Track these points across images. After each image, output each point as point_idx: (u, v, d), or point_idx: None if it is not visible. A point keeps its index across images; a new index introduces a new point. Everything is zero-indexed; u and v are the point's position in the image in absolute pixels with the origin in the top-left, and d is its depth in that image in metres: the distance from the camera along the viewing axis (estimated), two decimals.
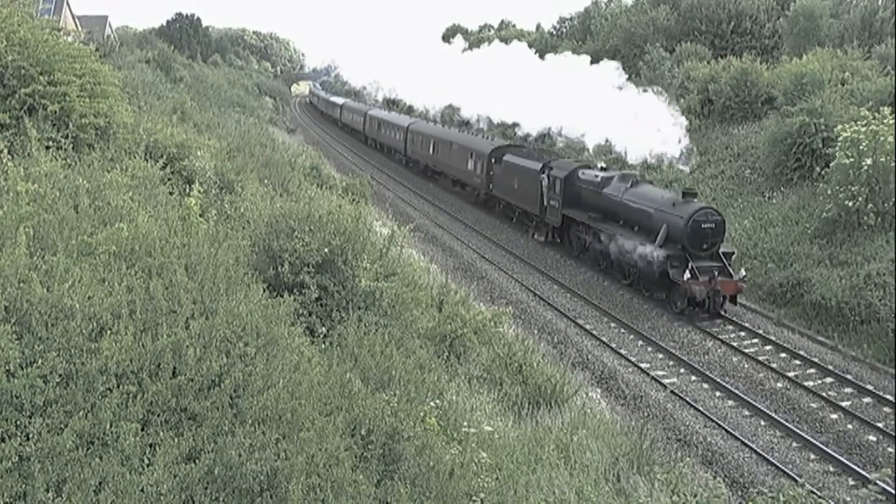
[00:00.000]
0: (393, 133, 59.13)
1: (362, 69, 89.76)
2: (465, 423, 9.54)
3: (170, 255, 8.05)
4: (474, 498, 7.71)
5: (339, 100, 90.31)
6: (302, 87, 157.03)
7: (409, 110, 67.05)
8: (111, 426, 6.06)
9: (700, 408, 17.91)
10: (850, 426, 17.16)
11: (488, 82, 36.44)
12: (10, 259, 6.81)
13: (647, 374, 19.57)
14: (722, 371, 20.05)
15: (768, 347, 21.20)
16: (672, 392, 17.62)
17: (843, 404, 18.02)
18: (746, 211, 31.05)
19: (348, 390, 8.16)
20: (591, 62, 33.59)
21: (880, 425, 16.95)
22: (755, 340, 21.86)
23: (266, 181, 20.33)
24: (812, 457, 15.74)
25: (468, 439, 9.18)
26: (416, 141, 52.29)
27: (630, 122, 27.56)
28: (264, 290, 9.09)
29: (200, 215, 10.89)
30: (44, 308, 6.52)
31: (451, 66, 42.84)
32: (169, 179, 12.59)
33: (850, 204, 25.52)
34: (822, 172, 28.92)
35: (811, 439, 16.41)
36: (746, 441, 16.43)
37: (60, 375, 6.15)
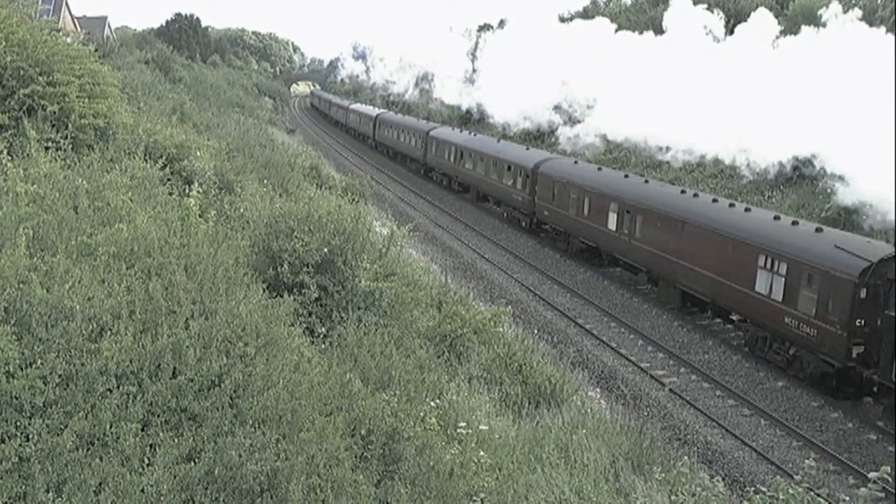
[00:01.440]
0: (498, 173, 38.22)
1: (381, 67, 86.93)
2: (464, 424, 9.53)
3: (169, 256, 8.04)
4: (474, 498, 7.71)
5: (372, 109, 73.58)
6: (301, 87, 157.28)
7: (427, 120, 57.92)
8: (111, 427, 6.06)
9: (700, 407, 17.92)
10: (850, 425, 17.16)
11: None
12: (10, 260, 6.81)
13: (647, 374, 19.57)
14: (722, 370, 20.05)
15: None
16: (671, 390, 17.62)
17: (844, 403, 18.03)
18: None
19: (348, 390, 8.16)
20: None
21: (880, 424, 16.96)
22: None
23: (265, 181, 20.32)
24: (812, 456, 15.75)
25: (468, 439, 9.18)
26: (568, 196, 30.46)
27: None
28: (264, 291, 9.09)
29: (200, 216, 10.89)
30: (43, 309, 6.53)
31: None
32: (168, 180, 12.58)
33: (850, 203, 25.51)
34: (822, 171, 28.92)
35: (811, 438, 16.42)
36: (746, 440, 16.44)
37: (60, 376, 6.15)
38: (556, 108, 43.46)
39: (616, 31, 36.78)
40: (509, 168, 36.72)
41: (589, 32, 36.67)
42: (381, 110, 70.90)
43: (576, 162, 33.83)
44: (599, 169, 31.58)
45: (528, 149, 39.13)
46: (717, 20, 29.16)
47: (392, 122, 62.80)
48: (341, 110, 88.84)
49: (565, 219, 30.89)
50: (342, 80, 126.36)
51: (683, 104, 24.88)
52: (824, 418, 17.47)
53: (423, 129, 53.17)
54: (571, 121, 40.63)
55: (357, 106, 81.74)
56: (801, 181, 30.69)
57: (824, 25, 23.54)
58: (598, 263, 29.28)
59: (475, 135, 46.91)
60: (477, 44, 60.16)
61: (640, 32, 34.98)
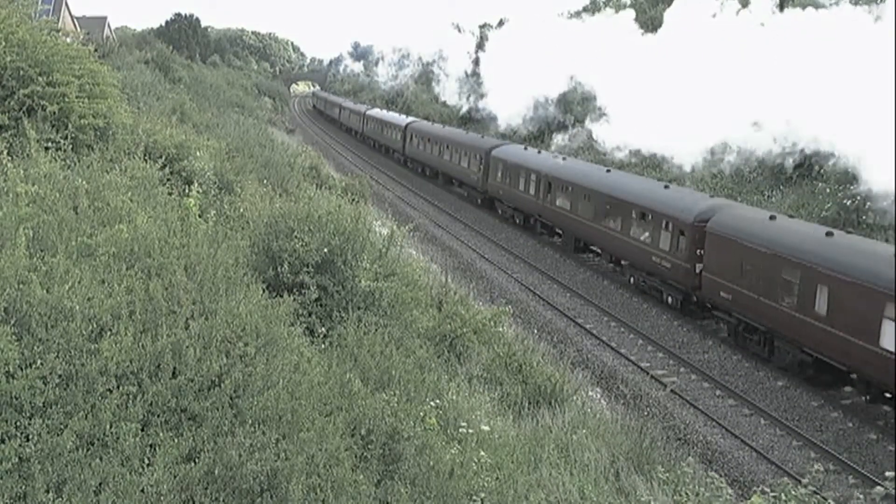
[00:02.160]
0: (621, 221, 26.08)
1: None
2: (465, 424, 9.54)
3: (169, 256, 8.05)
4: (474, 498, 7.71)
5: (398, 117, 60.69)
6: (301, 87, 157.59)
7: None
8: (111, 427, 6.06)
9: (700, 407, 17.92)
10: (850, 424, 17.16)
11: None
12: (10, 260, 6.81)
13: (647, 374, 19.58)
14: (722, 370, 20.05)
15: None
16: (672, 391, 17.63)
17: (844, 402, 18.04)
18: None
19: (348, 390, 8.16)
20: None
21: (880, 423, 16.97)
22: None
23: (265, 181, 20.32)
24: (812, 455, 15.75)
25: (468, 439, 9.19)
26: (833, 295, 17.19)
27: None
28: (264, 291, 9.09)
29: (200, 216, 10.89)
30: (43, 309, 6.53)
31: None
32: (168, 180, 12.57)
33: (849, 203, 25.56)
34: (822, 171, 28.95)
35: (811, 438, 16.42)
36: (746, 440, 16.44)
37: (60, 376, 6.15)
38: (569, 105, 42.64)
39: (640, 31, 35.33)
40: (646, 216, 24.47)
41: (612, 28, 34.43)
42: (412, 119, 58.61)
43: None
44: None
45: (667, 186, 25.78)
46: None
47: (430, 135, 50.00)
48: (355, 116, 75.54)
49: (798, 325, 18.27)
50: (342, 79, 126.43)
51: (694, 95, 23.92)
52: (824, 418, 17.47)
53: (481, 146, 40.77)
54: (575, 117, 40.10)
55: (376, 112, 68.91)
56: (802, 181, 30.69)
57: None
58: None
59: (565, 159, 34.17)
60: (482, 41, 59.96)
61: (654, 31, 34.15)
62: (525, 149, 38.44)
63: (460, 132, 48.14)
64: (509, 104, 44.50)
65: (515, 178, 35.47)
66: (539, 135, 49.78)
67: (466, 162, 42.21)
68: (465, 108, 61.68)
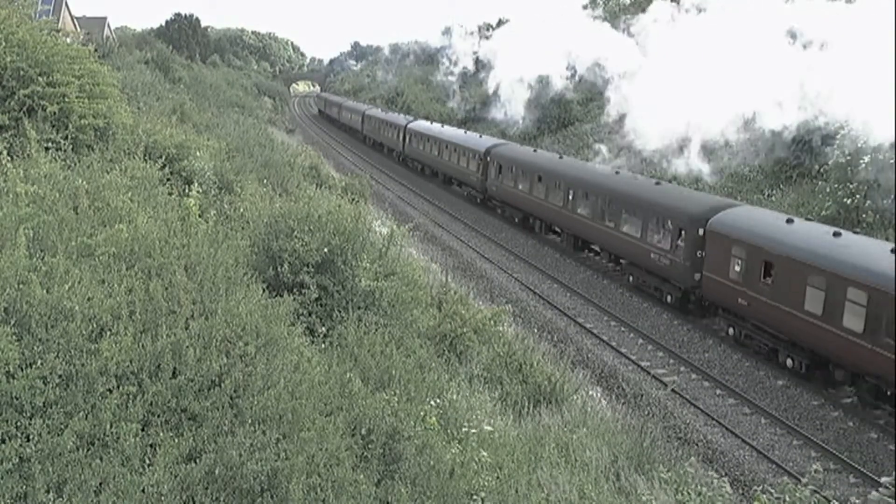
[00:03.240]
0: None
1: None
2: (466, 423, 9.54)
3: (169, 256, 8.06)
4: (475, 497, 7.71)
5: (467, 137, 42.89)
6: (301, 87, 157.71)
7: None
8: (111, 427, 6.06)
9: (700, 406, 17.92)
10: (850, 424, 17.17)
11: None
12: (10, 260, 6.82)
13: (648, 373, 19.57)
14: (722, 369, 20.05)
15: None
16: (673, 390, 17.62)
17: (844, 402, 18.04)
18: None
19: (348, 390, 8.16)
20: None
21: (881, 422, 16.98)
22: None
23: (265, 181, 20.33)
24: (813, 454, 15.75)
25: (468, 438, 9.19)
26: None
27: None
28: (264, 291, 9.10)
29: (200, 216, 10.90)
30: (43, 309, 6.53)
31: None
32: (168, 180, 12.59)
33: (849, 202, 25.56)
34: (821, 170, 28.94)
35: (811, 437, 16.42)
36: (746, 439, 16.44)
37: (60, 376, 6.15)
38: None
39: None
40: None
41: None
42: (497, 140, 40.85)
43: None
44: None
45: None
46: None
47: (543, 171, 32.35)
48: (390, 130, 57.33)
49: None
50: (342, 79, 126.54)
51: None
52: (825, 417, 17.47)
53: (676, 208, 23.67)
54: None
55: (424, 126, 49.93)
56: (801, 179, 30.68)
57: None
58: None
59: (838, 234, 18.54)
60: (487, 38, 60.11)
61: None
62: (790, 222, 20.07)
63: (607, 172, 29.95)
64: (516, 103, 44.20)
65: (783, 282, 18.80)
66: (539, 134, 49.73)
67: (638, 229, 25.07)
68: (462, 114, 61.77)
